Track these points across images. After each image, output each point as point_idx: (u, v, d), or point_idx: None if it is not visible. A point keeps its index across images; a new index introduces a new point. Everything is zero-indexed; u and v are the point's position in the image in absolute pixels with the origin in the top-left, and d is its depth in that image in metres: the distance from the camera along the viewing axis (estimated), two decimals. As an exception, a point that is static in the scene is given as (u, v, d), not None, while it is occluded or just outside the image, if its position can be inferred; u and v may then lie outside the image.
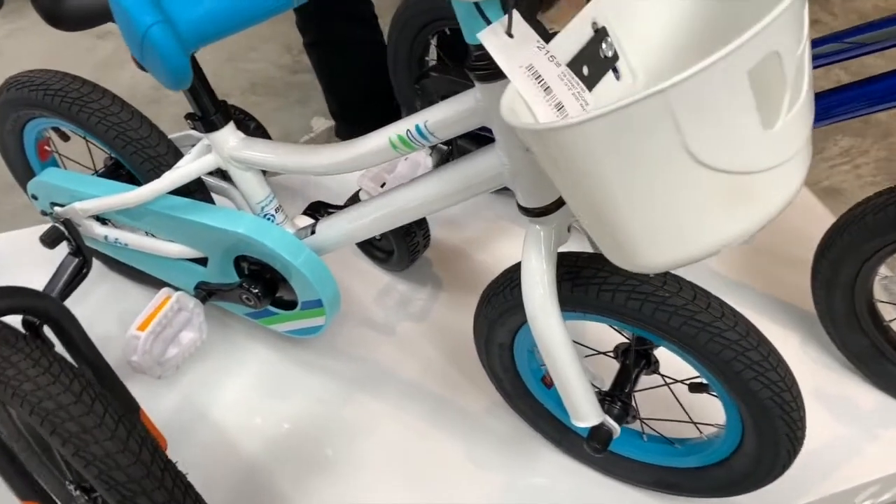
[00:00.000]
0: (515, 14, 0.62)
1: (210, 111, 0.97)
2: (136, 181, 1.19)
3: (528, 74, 0.61)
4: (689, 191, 0.55)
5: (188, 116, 0.99)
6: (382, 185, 1.19)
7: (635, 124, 0.52)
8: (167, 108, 2.31)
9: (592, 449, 0.90)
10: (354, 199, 1.23)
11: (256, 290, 1.06)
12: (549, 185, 0.79)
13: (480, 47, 0.69)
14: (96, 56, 2.62)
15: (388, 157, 0.87)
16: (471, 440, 1.14)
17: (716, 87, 0.50)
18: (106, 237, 1.16)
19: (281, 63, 2.61)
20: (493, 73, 0.70)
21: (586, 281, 0.84)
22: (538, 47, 0.62)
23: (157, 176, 1.08)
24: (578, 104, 0.62)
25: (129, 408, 0.87)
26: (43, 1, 0.85)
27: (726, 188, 0.55)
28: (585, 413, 0.88)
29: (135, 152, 1.08)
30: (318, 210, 1.14)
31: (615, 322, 0.89)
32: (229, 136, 0.99)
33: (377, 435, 1.15)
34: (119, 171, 1.23)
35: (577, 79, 0.62)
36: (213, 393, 1.21)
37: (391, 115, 1.83)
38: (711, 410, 0.96)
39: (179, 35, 0.77)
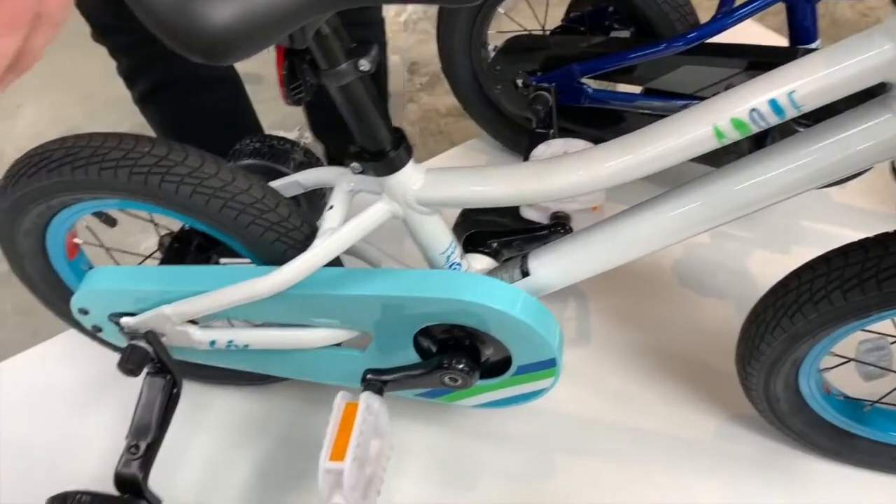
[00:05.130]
0: None
1: (387, 145, 0.69)
2: (188, 259, 0.89)
3: None
4: None
5: (353, 157, 0.71)
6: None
7: None
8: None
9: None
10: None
11: (462, 366, 0.80)
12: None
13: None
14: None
15: (695, 154, 0.63)
16: (723, 476, 0.93)
17: None
18: (213, 342, 0.85)
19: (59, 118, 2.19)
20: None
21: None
22: None
23: (288, 246, 0.79)
24: None
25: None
26: (180, 27, 0.53)
27: None
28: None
29: (252, 222, 0.78)
30: (479, 243, 0.88)
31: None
32: (413, 175, 0.72)
33: (604, 498, 0.93)
34: (182, 252, 0.92)
35: None
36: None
37: None
38: None
39: None
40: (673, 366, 1.03)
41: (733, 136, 0.60)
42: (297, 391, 1.03)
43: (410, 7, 2.32)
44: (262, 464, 0.97)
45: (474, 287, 0.75)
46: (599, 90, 1.12)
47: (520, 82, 1.15)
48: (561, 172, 0.67)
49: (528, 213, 0.91)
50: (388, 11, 1.44)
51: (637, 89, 1.14)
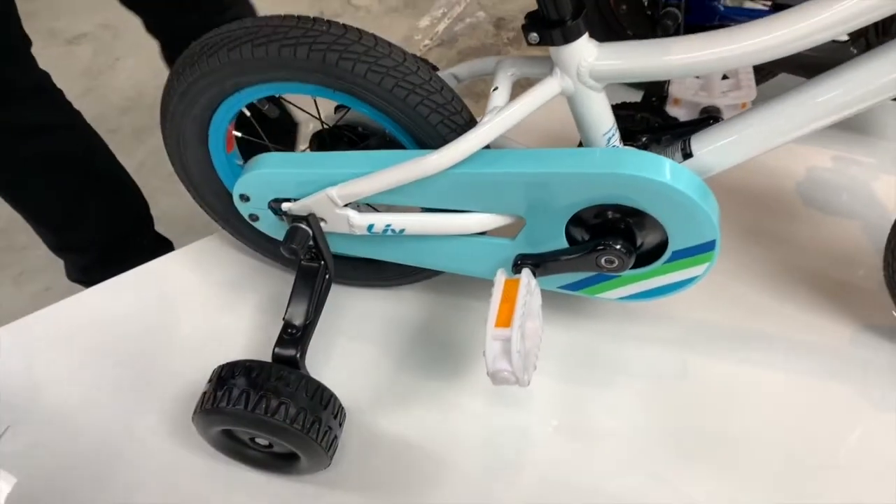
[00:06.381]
0: None
1: (567, 13, 0.71)
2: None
3: None
4: None
5: (529, 27, 0.73)
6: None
7: None
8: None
9: None
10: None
11: (620, 247, 0.82)
12: None
13: None
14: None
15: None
16: (855, 381, 0.93)
17: None
18: (371, 226, 0.88)
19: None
20: None
21: None
22: None
23: (450, 129, 0.82)
24: None
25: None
26: None
27: None
28: None
29: (420, 102, 0.80)
30: (627, 138, 0.90)
31: None
32: (588, 46, 0.74)
33: (739, 400, 0.94)
34: (333, 148, 0.95)
35: None
36: (517, 408, 0.95)
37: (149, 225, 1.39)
38: None
39: None
40: (802, 278, 1.04)
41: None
42: (427, 296, 1.06)
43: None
44: (399, 359, 1.00)
45: (639, 161, 0.77)
46: (731, 7, 1.12)
47: (646, 1, 1.16)
48: (755, 34, 0.68)
49: (675, 111, 0.93)
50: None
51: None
